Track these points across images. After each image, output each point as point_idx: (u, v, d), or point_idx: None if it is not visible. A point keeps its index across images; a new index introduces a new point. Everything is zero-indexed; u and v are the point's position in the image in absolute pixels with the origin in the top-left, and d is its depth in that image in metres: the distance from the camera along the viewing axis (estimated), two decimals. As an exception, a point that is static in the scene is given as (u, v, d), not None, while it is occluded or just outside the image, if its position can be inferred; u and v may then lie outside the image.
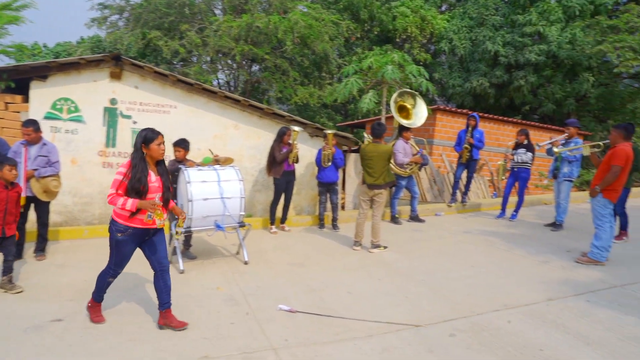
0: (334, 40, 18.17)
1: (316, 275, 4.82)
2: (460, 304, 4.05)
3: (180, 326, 3.48)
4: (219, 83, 22.44)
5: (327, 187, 7.06)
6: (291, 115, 7.71)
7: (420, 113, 7.54)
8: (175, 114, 7.18)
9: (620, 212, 5.99)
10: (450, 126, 11.43)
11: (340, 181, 8.33)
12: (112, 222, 3.42)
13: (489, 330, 3.53)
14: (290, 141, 6.74)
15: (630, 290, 4.38)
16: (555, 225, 7.01)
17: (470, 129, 8.10)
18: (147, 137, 3.35)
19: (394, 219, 7.51)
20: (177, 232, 4.14)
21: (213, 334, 3.43)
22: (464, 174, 8.46)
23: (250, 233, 6.64)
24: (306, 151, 7.74)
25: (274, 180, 6.82)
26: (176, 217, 4.09)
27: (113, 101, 6.83)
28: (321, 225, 7.17)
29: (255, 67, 20.71)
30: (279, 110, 7.86)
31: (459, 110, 11.98)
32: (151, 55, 17.19)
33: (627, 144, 5.17)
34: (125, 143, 6.88)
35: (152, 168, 3.42)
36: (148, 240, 3.53)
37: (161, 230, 3.57)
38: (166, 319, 3.51)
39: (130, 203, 3.27)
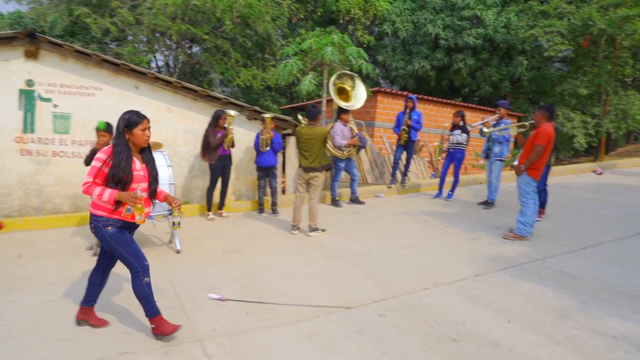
0: (276, 21, 17.82)
1: (251, 262, 4.73)
2: (392, 284, 4.10)
3: (101, 324, 3.27)
4: (157, 64, 21.47)
5: (266, 171, 6.93)
6: (227, 98, 7.45)
7: (359, 95, 7.53)
8: (101, 97, 6.74)
9: (541, 189, 6.29)
10: (391, 108, 11.57)
11: (280, 165, 8.23)
12: (95, 218, 3.00)
13: (418, 309, 3.59)
14: (226, 125, 6.53)
15: (549, 263, 4.62)
16: (488, 203, 7.29)
17: (408, 110, 8.21)
18: (130, 121, 2.98)
19: (334, 202, 7.52)
20: (174, 223, 3.63)
21: (135, 328, 3.27)
22: (404, 156, 8.60)
23: (187, 220, 6.45)
24: (244, 135, 7.54)
25: (210, 166, 6.61)
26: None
27: (29, 83, 6.29)
28: (260, 210, 7.06)
29: (196, 48, 19.97)
30: (214, 92, 7.57)
31: (399, 92, 12.14)
32: (81, 34, 16.09)
33: (550, 125, 5.41)
34: (46, 128, 6.38)
35: (135, 155, 3.07)
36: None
37: (137, 227, 3.21)
38: (86, 315, 3.29)
39: (108, 194, 2.90)
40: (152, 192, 3.16)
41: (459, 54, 16.89)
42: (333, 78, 7.45)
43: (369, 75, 9.88)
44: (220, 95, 7.45)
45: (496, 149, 7.06)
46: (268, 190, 7.09)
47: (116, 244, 2.99)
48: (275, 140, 6.89)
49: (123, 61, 7.64)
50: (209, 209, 6.69)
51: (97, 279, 3.28)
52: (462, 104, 14.75)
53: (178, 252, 5.01)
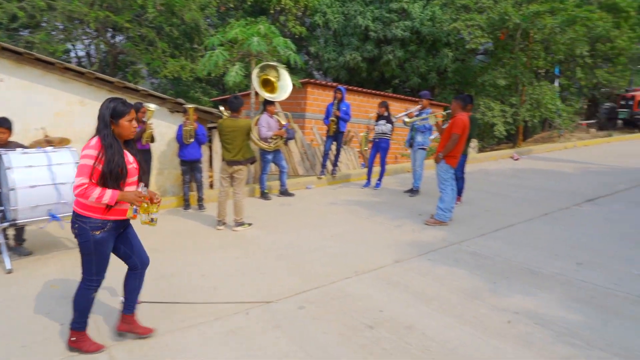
0: (204, 10, 17.24)
1: (171, 260, 4.54)
2: (315, 276, 4.11)
3: (147, 332, 3.05)
4: (77, 54, 20.09)
5: (190, 165, 6.70)
6: (147, 90, 7.11)
7: (284, 86, 7.44)
8: (3, 88, 6.16)
9: (459, 176, 6.59)
10: (322, 99, 11.61)
11: (207, 158, 8.01)
12: (82, 220, 2.68)
13: (337, 299, 3.62)
14: (145, 119, 6.22)
15: (465, 246, 4.85)
16: (413, 191, 7.53)
17: (336, 102, 8.29)
18: (116, 111, 2.68)
19: (264, 195, 7.43)
20: (152, 220, 3.13)
21: (37, 339, 3.02)
22: (334, 146, 8.67)
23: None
24: (167, 128, 7.24)
25: (129, 161, 6.27)
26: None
27: None
28: (186, 206, 6.82)
29: (120, 38, 18.89)
30: (131, 84, 7.18)
31: (329, 83, 12.22)
32: (-14, 20, 14.64)
33: (465, 114, 5.66)
34: None
35: (123, 148, 2.78)
36: (122, 235, 2.91)
37: (127, 223, 2.94)
38: (131, 324, 3.04)
39: (110, 195, 2.61)
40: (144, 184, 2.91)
41: (388, 46, 17.28)
42: (256, 70, 7.32)
43: (297, 66, 9.81)
44: (139, 87, 7.09)
45: (419, 138, 7.30)
46: (194, 185, 6.87)
47: (95, 252, 2.72)
48: (200, 132, 6.67)
49: (33, 50, 7.04)
50: (130, 207, 6.36)
51: (136, 283, 3.04)
52: (392, 94, 15.13)
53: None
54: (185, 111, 6.64)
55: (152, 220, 2.85)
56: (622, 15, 18.97)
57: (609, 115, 17.63)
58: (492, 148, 18.04)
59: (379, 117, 7.83)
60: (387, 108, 7.80)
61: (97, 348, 2.88)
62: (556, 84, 17.21)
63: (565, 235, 5.22)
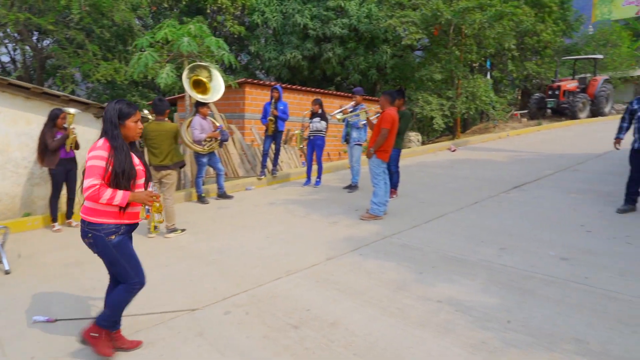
0: (137, 10, 16.61)
1: (94, 274, 4.30)
2: (245, 278, 4.04)
3: (135, 346, 2.94)
4: (0, 60, 18.80)
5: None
6: (67, 95, 6.73)
7: (217, 87, 7.28)
8: None
9: (394, 170, 6.72)
10: (261, 99, 11.49)
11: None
12: (93, 227, 2.62)
13: (265, 300, 3.57)
14: (66, 125, 5.88)
15: (396, 239, 4.94)
16: (352, 187, 7.61)
17: (274, 101, 8.24)
18: (122, 112, 2.67)
19: (201, 199, 7.25)
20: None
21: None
22: (274, 146, 8.60)
23: (28, 234, 5.74)
24: (93, 135, 6.90)
25: (50, 171, 5.90)
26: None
27: None
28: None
29: (47, 41, 17.84)
30: (50, 90, 6.78)
31: (267, 82, 12.11)
32: None
33: (393, 109, 5.76)
34: None
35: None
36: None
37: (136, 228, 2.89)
38: (117, 340, 2.90)
39: (121, 196, 2.58)
40: (146, 187, 2.85)
41: (327, 44, 17.37)
42: (186, 71, 7.11)
43: (232, 66, 9.64)
44: (59, 93, 6.71)
45: (354, 134, 7.37)
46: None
47: (121, 255, 2.69)
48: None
49: None
50: (54, 220, 6.00)
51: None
52: (333, 92, 15.22)
53: (7, 272, 4.39)
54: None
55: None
56: (546, 10, 20.13)
57: (539, 105, 18.62)
58: (433, 141, 18.61)
59: (313, 114, 7.85)
60: (321, 105, 7.83)
61: (109, 354, 2.80)
62: (488, 76, 17.97)
63: (492, 222, 5.44)
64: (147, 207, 2.75)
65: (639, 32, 26.57)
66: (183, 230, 5.55)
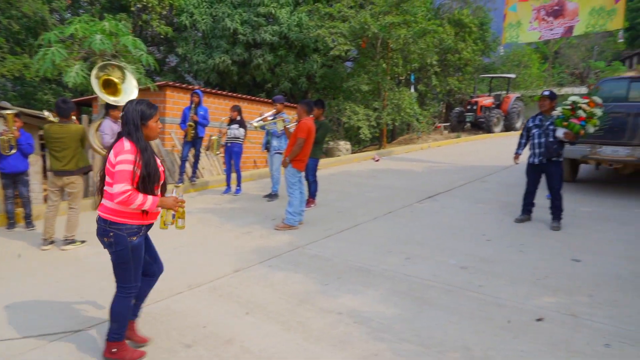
0: (51, 3, 15.50)
1: None
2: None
3: (143, 341, 2.98)
4: None
5: (13, 178, 5.87)
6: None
7: (128, 89, 6.90)
8: None
9: (311, 180, 6.75)
10: (183, 103, 11.07)
11: (40, 169, 7.13)
12: (116, 227, 2.63)
13: (160, 318, 3.38)
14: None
15: (308, 249, 4.93)
16: (271, 195, 7.53)
17: (194, 106, 8.02)
18: (145, 113, 2.67)
19: (110, 207, 6.81)
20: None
21: None
22: (193, 152, 8.34)
23: None
24: (-16, 136, 6.24)
25: None
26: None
27: None
28: (10, 225, 5.95)
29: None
30: None
31: (190, 86, 11.74)
32: None
33: (310, 118, 5.78)
34: None
35: None
36: (146, 241, 2.90)
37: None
38: (131, 330, 2.95)
39: (150, 202, 2.62)
40: (164, 188, 2.86)
41: (258, 50, 17.24)
42: (95, 70, 6.68)
43: (151, 67, 9.23)
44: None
45: (274, 142, 7.31)
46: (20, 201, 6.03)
47: (133, 259, 2.71)
48: (24, 141, 5.89)
49: None
50: None
51: (148, 290, 3.04)
52: (262, 99, 15.07)
53: None
54: (3, 117, 5.80)
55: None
56: (466, 30, 21.45)
57: (459, 118, 19.74)
58: (362, 150, 19.05)
59: (232, 121, 7.71)
60: (239, 112, 7.72)
61: (140, 355, 2.82)
62: (412, 89, 18.74)
63: (402, 231, 5.60)
64: (173, 213, 2.81)
65: (546, 55, 29.15)
66: (83, 241, 5.17)
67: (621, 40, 10.39)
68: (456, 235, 5.42)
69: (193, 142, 8.09)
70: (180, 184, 8.18)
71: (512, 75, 21.65)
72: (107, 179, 2.67)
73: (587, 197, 7.14)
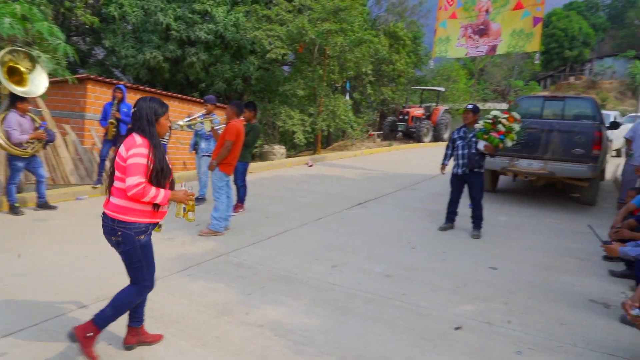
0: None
1: None
2: (40, 308, 3.41)
3: (157, 339, 2.97)
4: None
5: None
6: None
7: (38, 81, 6.31)
8: None
9: (240, 184, 6.55)
10: (106, 98, 10.32)
11: None
12: (124, 225, 2.65)
13: (56, 337, 3.03)
14: None
15: (232, 257, 4.73)
16: (198, 199, 7.19)
17: (116, 102, 7.55)
18: (157, 110, 2.73)
19: (13, 209, 6.15)
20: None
21: None
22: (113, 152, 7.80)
23: None
24: None
25: None
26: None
27: None
28: None
29: None
30: None
31: (114, 81, 11.05)
32: None
33: (239, 121, 5.58)
34: None
35: None
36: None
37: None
38: (141, 335, 2.95)
39: (162, 195, 2.66)
40: (172, 185, 2.88)
41: (192, 48, 16.65)
42: (1, 53, 6.02)
43: (70, 58, 8.53)
44: None
45: (203, 144, 7.02)
46: None
47: (144, 256, 2.77)
48: None
49: None
50: None
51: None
52: (193, 98, 14.54)
53: None
54: None
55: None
56: (400, 42, 22.18)
57: (391, 127, 20.32)
58: (295, 155, 18.99)
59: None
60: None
61: (94, 358, 2.70)
62: (347, 97, 19.03)
63: (330, 238, 5.56)
64: (184, 206, 2.83)
65: (473, 72, 30.98)
66: (-25, 248, 4.60)
67: (537, 62, 11.20)
68: (383, 243, 5.47)
69: (114, 140, 7.57)
70: (98, 185, 7.67)
71: (442, 89, 22.72)
72: (117, 173, 2.67)
73: (506, 207, 7.54)
